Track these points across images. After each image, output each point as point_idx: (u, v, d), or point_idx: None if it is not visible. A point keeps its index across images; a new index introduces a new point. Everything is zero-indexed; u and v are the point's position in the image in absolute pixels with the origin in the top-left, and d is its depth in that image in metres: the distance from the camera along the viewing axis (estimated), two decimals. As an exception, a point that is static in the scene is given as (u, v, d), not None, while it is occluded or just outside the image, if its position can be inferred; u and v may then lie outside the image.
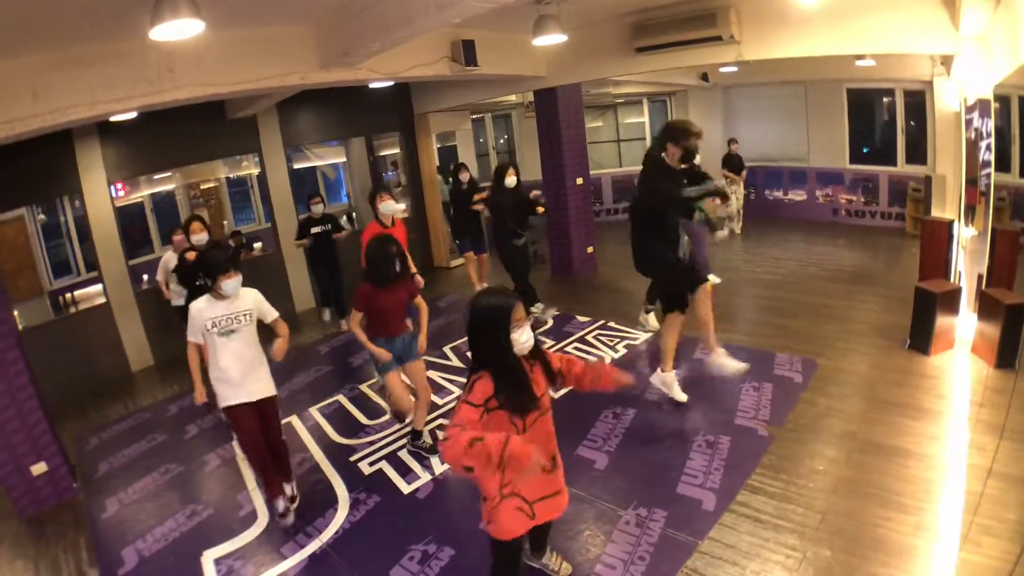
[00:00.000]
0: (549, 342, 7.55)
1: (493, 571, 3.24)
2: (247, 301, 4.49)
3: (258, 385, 4.57)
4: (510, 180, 7.69)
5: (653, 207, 5.30)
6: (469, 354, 2.95)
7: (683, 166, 5.19)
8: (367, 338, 5.04)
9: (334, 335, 8.85)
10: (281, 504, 4.62)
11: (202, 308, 4.34)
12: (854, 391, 5.63)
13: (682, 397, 5.67)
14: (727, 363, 5.62)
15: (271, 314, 4.67)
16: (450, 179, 9.57)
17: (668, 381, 5.71)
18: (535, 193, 8.22)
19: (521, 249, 8.12)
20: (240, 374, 4.44)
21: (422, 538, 4.31)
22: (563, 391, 5.82)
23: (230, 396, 4.45)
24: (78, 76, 5.12)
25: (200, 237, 6.15)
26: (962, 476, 4.26)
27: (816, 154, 12.38)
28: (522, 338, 2.82)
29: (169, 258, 7.20)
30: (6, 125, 4.87)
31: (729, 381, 5.91)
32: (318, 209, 8.58)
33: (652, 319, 7.52)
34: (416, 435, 5.53)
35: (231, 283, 4.31)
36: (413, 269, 5.98)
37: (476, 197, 8.75)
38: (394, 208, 6.72)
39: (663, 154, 5.13)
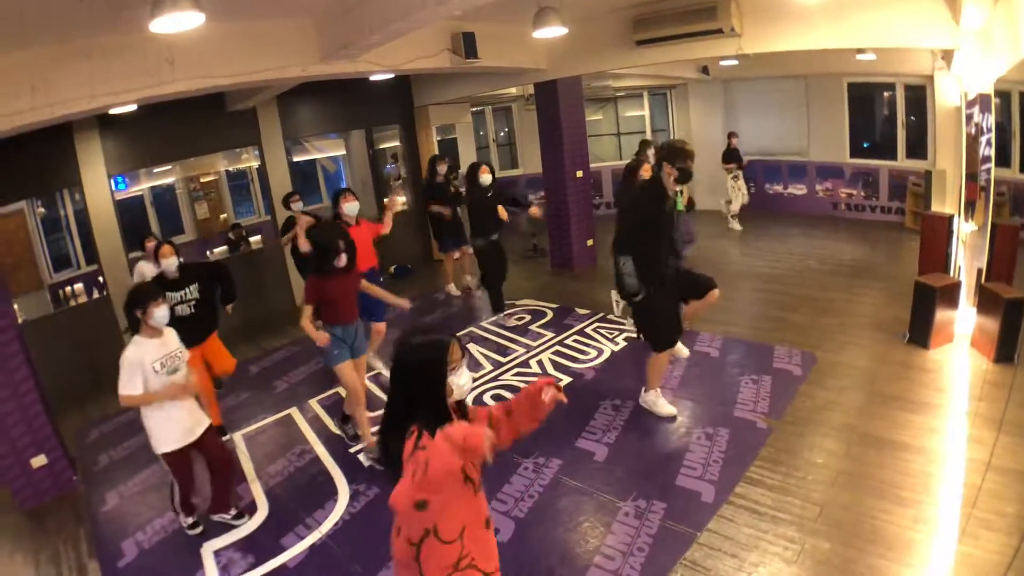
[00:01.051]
0: (548, 334, 7.56)
1: None
2: (175, 339, 4.38)
3: (198, 417, 4.46)
4: (485, 178, 7.73)
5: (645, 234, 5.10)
6: (385, 405, 2.40)
7: (678, 187, 5.00)
8: (315, 328, 4.97)
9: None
10: (190, 519, 4.65)
11: (141, 354, 4.11)
12: (853, 384, 5.64)
13: (671, 411, 5.52)
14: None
15: (186, 354, 4.49)
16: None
17: (651, 400, 5.59)
18: (534, 211, 8.24)
19: (495, 245, 8.09)
20: (182, 409, 4.31)
21: (421, 530, 4.32)
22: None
23: (172, 439, 4.27)
24: (77, 69, 5.10)
25: (170, 261, 5.88)
26: (960, 470, 4.28)
27: (816, 148, 12.36)
28: (460, 381, 2.35)
29: (143, 267, 7.01)
30: (5, 118, 4.86)
31: (728, 376, 5.95)
32: (298, 207, 8.40)
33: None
34: (345, 419, 5.66)
35: (162, 311, 4.18)
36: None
37: (435, 208, 8.99)
38: (357, 209, 6.56)
39: (661, 172, 4.97)
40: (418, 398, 2.27)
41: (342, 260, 4.88)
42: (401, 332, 2.40)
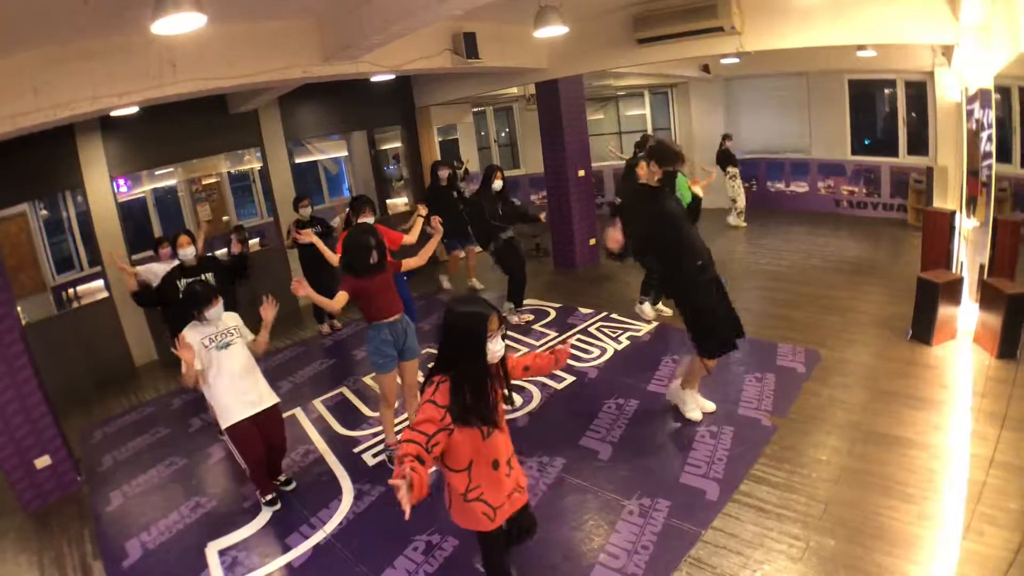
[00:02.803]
0: (552, 333, 7.57)
1: (484, 558, 3.34)
2: (230, 320, 4.75)
3: (262, 391, 4.77)
4: (497, 184, 7.71)
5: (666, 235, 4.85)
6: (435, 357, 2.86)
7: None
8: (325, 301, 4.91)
9: (332, 332, 8.85)
10: (269, 496, 4.92)
11: (196, 335, 4.51)
12: (857, 381, 5.64)
13: (697, 416, 5.35)
14: None
15: (249, 336, 4.85)
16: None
17: (681, 396, 5.42)
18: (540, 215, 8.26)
19: (510, 243, 8.02)
20: (243, 381, 4.63)
21: (426, 529, 4.33)
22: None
23: (233, 413, 4.57)
24: (79, 70, 5.10)
25: (187, 251, 5.89)
26: (964, 466, 4.28)
27: (818, 145, 12.36)
28: (495, 347, 2.80)
29: (154, 267, 6.72)
30: (8, 120, 4.87)
31: (732, 374, 5.96)
32: (306, 212, 8.33)
33: (648, 308, 7.54)
34: None
35: (215, 310, 4.55)
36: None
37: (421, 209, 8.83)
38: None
39: (639, 171, 4.95)
40: (460, 357, 2.77)
41: (373, 257, 4.85)
42: (449, 299, 2.75)
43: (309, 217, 8.33)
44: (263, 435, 4.72)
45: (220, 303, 4.57)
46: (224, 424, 4.60)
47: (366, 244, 4.83)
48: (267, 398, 4.76)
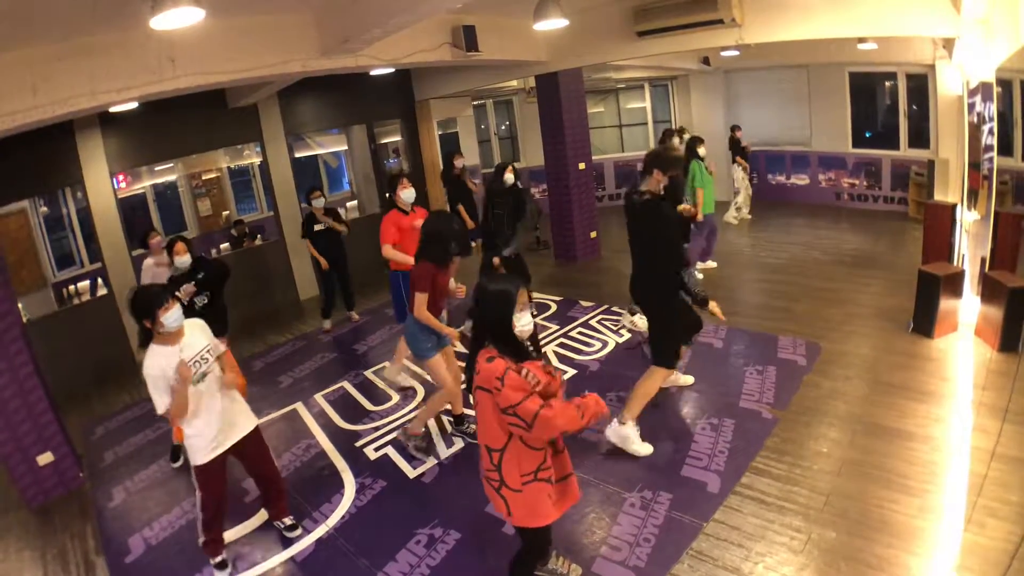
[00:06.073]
0: (552, 327, 7.56)
1: (525, 556, 3.25)
2: (200, 336, 3.88)
3: (240, 419, 4.07)
4: (508, 177, 7.43)
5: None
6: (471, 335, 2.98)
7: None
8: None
9: (342, 324, 8.83)
10: (220, 557, 4.20)
11: (160, 363, 3.60)
12: (858, 374, 5.64)
13: (647, 450, 4.89)
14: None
15: (220, 346, 4.06)
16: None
17: (625, 434, 4.92)
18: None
19: (516, 259, 7.54)
20: (221, 423, 3.90)
21: (428, 522, 4.34)
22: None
23: (206, 452, 3.88)
24: (78, 66, 5.09)
25: (183, 259, 5.67)
26: (966, 458, 4.28)
27: (819, 138, 12.35)
28: (522, 321, 2.90)
29: (149, 265, 6.67)
30: (7, 117, 4.86)
31: (733, 367, 5.96)
32: (319, 203, 8.05)
33: (640, 320, 7.45)
34: (459, 420, 5.46)
35: (172, 315, 3.63)
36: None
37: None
38: (413, 196, 6.17)
39: (648, 179, 4.64)
40: (493, 329, 2.89)
41: (456, 247, 4.66)
42: (482, 278, 3.10)
43: (323, 209, 8.12)
44: (247, 466, 4.26)
45: (175, 306, 3.67)
46: (194, 463, 3.91)
47: (455, 232, 4.63)
48: (243, 427, 4.08)
